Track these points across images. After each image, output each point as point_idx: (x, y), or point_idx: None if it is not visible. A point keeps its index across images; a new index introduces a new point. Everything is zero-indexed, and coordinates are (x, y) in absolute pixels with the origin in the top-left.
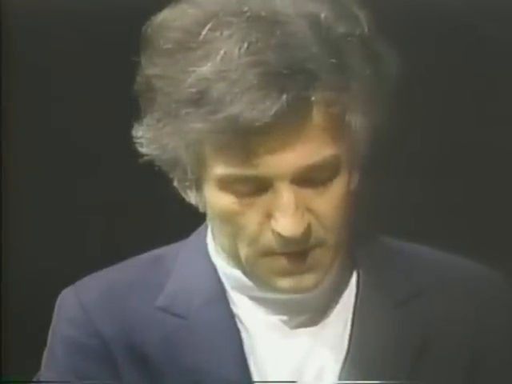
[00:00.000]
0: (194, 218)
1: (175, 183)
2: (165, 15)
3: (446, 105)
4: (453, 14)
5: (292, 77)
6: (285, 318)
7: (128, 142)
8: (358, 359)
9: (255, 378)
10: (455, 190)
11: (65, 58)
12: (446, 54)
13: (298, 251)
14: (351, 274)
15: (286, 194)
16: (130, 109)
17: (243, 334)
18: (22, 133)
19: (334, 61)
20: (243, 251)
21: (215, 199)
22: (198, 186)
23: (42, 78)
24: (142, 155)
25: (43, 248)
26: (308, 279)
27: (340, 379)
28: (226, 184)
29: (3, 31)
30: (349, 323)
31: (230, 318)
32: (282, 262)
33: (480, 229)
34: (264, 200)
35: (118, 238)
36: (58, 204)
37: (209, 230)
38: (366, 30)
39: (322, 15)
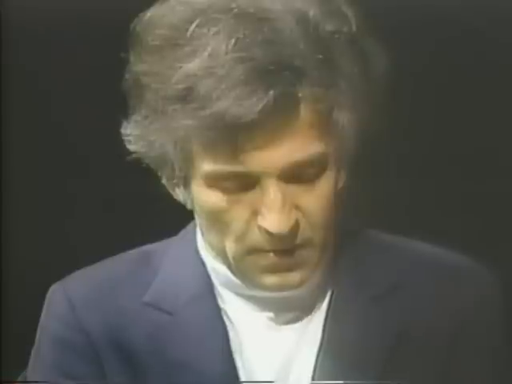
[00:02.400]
0: (184, 215)
1: (163, 181)
2: (153, 12)
3: (438, 103)
4: (443, 11)
5: (279, 73)
6: (271, 315)
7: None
8: (330, 354)
9: (241, 373)
10: (446, 189)
11: (65, 58)
12: (437, 52)
13: (284, 249)
14: (336, 270)
15: (273, 191)
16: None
17: (230, 330)
18: (22, 133)
19: (321, 57)
20: (230, 248)
21: (203, 196)
22: (186, 183)
23: (41, 78)
24: (131, 153)
25: (43, 248)
26: (294, 277)
27: (314, 373)
28: (213, 181)
29: (3, 31)
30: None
31: (217, 314)
32: (269, 259)
33: (472, 227)
34: (251, 197)
35: (116, 235)
36: (58, 204)
37: (198, 226)
38: (354, 28)
39: (311, 12)
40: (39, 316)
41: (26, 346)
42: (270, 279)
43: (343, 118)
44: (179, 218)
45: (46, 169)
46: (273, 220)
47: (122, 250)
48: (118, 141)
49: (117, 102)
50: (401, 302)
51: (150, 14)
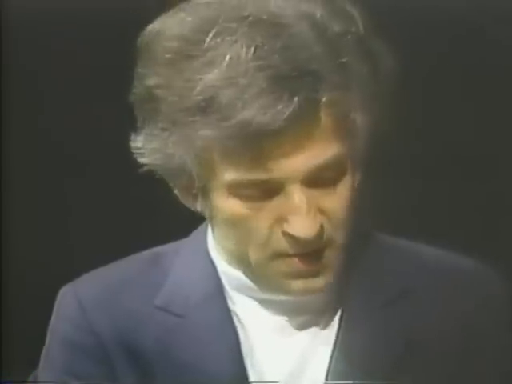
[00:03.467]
0: (184, 216)
1: (176, 191)
2: (161, 25)
3: (447, 104)
4: (450, 10)
5: (301, 79)
6: (285, 318)
7: (127, 146)
8: (342, 358)
9: (251, 377)
10: (456, 191)
11: (65, 58)
12: (445, 52)
13: (309, 252)
14: (349, 274)
15: (297, 196)
16: (128, 111)
17: (241, 334)
18: (22, 133)
19: (336, 60)
20: (253, 255)
21: (224, 205)
22: (205, 193)
23: (41, 78)
24: (142, 165)
25: (43, 248)
26: (319, 281)
27: (327, 376)
28: (235, 189)
29: (3, 31)
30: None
31: (227, 317)
32: (294, 264)
33: (482, 229)
34: (275, 203)
35: (117, 237)
36: (57, 204)
37: (209, 229)
38: (361, 28)
39: (317, 15)
40: (39, 316)
41: (26, 346)
42: (296, 284)
43: (358, 119)
44: (179, 218)
45: (46, 169)
46: (300, 225)
47: (122, 251)
48: (118, 141)
49: (117, 102)
50: (412, 305)
51: (158, 26)
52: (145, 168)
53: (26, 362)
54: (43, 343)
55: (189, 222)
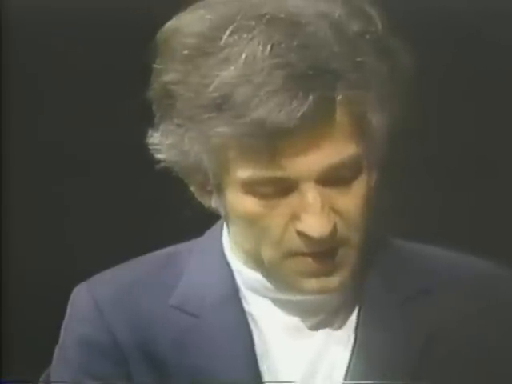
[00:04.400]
0: (204, 218)
1: (192, 188)
2: (180, 21)
3: (463, 104)
4: (466, 11)
5: (317, 77)
6: (299, 319)
7: (135, 145)
8: (362, 357)
9: (266, 377)
10: (473, 192)
11: (65, 58)
12: (462, 53)
13: (323, 251)
14: (364, 274)
15: (311, 195)
16: (130, 111)
17: (256, 334)
18: (22, 133)
19: (354, 59)
20: (267, 253)
21: (239, 202)
22: (220, 190)
23: (41, 78)
24: (158, 161)
25: (43, 248)
26: (333, 280)
27: (346, 377)
28: (250, 187)
29: (3, 31)
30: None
31: (243, 318)
32: (308, 263)
33: (497, 231)
34: (289, 201)
35: (118, 237)
36: (57, 204)
37: (224, 228)
38: (380, 27)
39: (336, 14)
40: (39, 316)
41: (26, 346)
42: (310, 283)
43: (376, 119)
44: (178, 219)
45: (46, 169)
46: (313, 224)
47: (124, 251)
48: (118, 140)
49: (118, 102)
50: (430, 304)
51: (177, 23)
52: (161, 165)
53: (25, 362)
54: (43, 343)
55: (193, 223)
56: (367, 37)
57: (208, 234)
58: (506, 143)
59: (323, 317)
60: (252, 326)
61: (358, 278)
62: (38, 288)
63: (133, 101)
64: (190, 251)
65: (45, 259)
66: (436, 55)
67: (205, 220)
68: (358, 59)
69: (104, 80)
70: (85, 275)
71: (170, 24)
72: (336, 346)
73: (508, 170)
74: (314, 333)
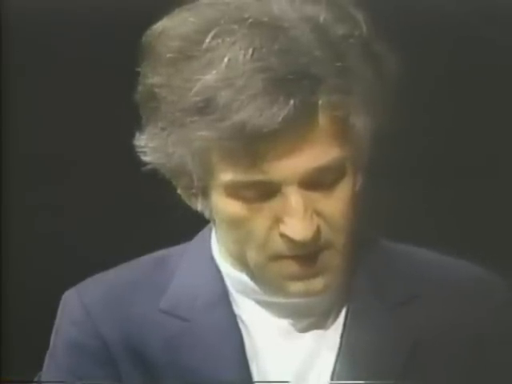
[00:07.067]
0: (195, 221)
1: (179, 190)
2: (165, 24)
3: (450, 106)
4: (453, 13)
5: (298, 82)
6: (289, 321)
7: (128, 147)
8: (347, 360)
9: (256, 380)
10: (458, 193)
11: (65, 58)
12: (449, 55)
13: (307, 254)
14: (352, 277)
15: (294, 198)
16: (130, 112)
17: (246, 337)
18: (22, 133)
19: (336, 64)
20: (252, 256)
21: (223, 205)
22: (205, 193)
23: (41, 78)
24: (146, 164)
25: (43, 248)
26: (318, 283)
27: (332, 379)
28: (233, 190)
29: (3, 31)
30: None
31: (233, 320)
32: (292, 266)
33: (484, 233)
34: (272, 204)
35: (118, 240)
36: (57, 205)
37: (213, 232)
38: (365, 30)
39: (321, 18)
40: (39, 317)
41: (26, 347)
42: (295, 286)
43: (359, 122)
44: (181, 221)
45: (46, 169)
46: (296, 227)
47: (122, 253)
48: (118, 141)
49: (118, 103)
50: (419, 309)
51: (162, 26)
52: (148, 167)
53: (25, 362)
54: (43, 343)
55: (190, 225)
56: (352, 41)
57: (198, 237)
58: (496, 144)
59: (313, 319)
60: (242, 328)
61: (348, 280)
62: (38, 288)
63: (132, 101)
64: (180, 255)
65: (45, 260)
66: (424, 57)
67: (198, 222)
68: (341, 64)
69: (104, 80)
70: (85, 275)
71: (155, 27)
72: (326, 349)
73: (499, 171)
74: (304, 335)
